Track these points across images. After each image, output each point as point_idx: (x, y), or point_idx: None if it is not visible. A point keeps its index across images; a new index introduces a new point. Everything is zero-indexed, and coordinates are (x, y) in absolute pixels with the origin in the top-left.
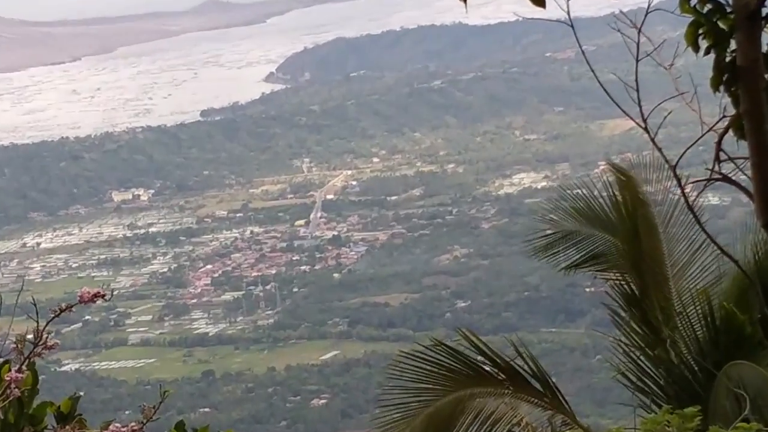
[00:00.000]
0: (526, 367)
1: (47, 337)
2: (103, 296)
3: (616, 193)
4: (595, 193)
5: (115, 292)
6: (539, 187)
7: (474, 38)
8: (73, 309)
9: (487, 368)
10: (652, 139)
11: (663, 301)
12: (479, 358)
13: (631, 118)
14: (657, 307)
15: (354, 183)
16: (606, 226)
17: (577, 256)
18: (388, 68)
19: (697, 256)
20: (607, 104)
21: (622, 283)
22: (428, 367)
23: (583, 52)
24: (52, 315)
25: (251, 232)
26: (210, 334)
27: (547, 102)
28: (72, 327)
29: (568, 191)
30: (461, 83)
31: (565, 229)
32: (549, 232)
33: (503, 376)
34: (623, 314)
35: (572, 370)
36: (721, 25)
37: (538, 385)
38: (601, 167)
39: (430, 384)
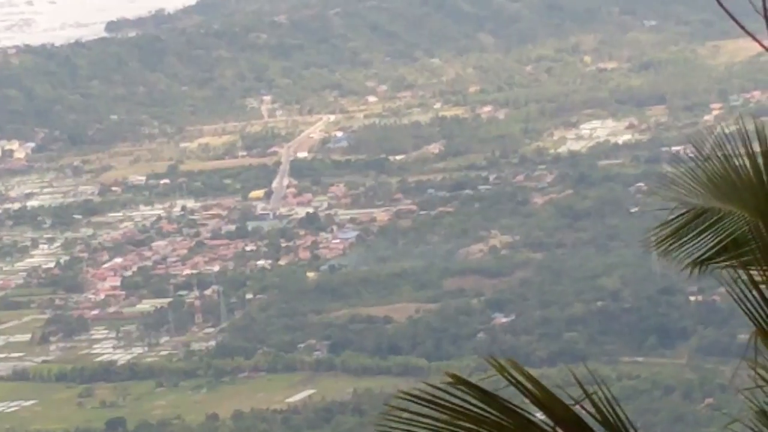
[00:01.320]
0: (598, 416)
1: None
2: None
3: (755, 150)
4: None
5: None
6: (621, 141)
7: None
8: None
9: (538, 418)
10: None
11: None
12: (525, 401)
13: (759, 42)
14: None
15: (339, 134)
16: (743, 201)
17: (708, 246)
18: None
19: None
20: (723, 17)
21: None
22: (446, 417)
23: None
24: None
25: (183, 207)
26: (119, 364)
27: (632, 13)
28: None
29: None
30: None
31: (694, 205)
32: (672, 211)
33: (561, 430)
34: None
35: (670, 420)
36: None
37: None
38: (716, 111)
39: None
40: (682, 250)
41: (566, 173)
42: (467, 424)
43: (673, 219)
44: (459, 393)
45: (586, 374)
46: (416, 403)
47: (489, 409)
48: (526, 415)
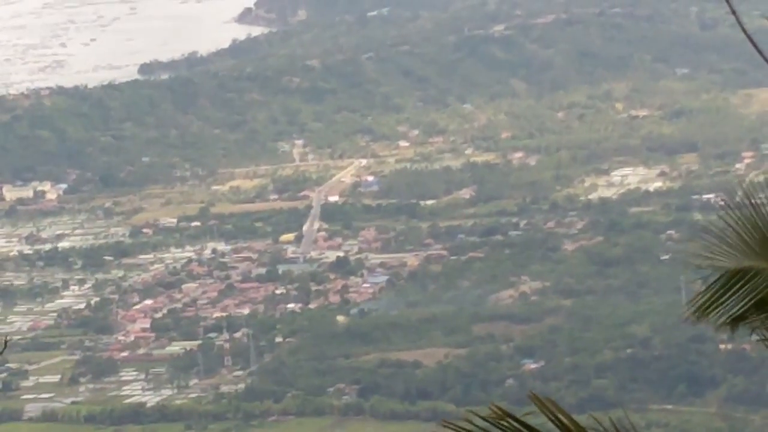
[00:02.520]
0: None
1: None
2: None
3: None
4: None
5: (8, 341)
6: (652, 189)
7: None
8: None
9: None
10: None
11: None
12: None
13: None
14: None
15: (371, 179)
16: None
17: (741, 306)
18: (424, 6)
19: None
20: (756, 65)
21: None
22: None
23: None
24: None
25: (213, 250)
26: (148, 405)
27: (664, 60)
28: None
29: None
30: (535, 30)
31: (727, 268)
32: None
33: None
34: None
35: None
36: None
37: None
38: (747, 159)
39: None
40: (717, 312)
41: (597, 220)
42: None
43: (708, 287)
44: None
45: (615, 422)
46: None
47: None
48: None
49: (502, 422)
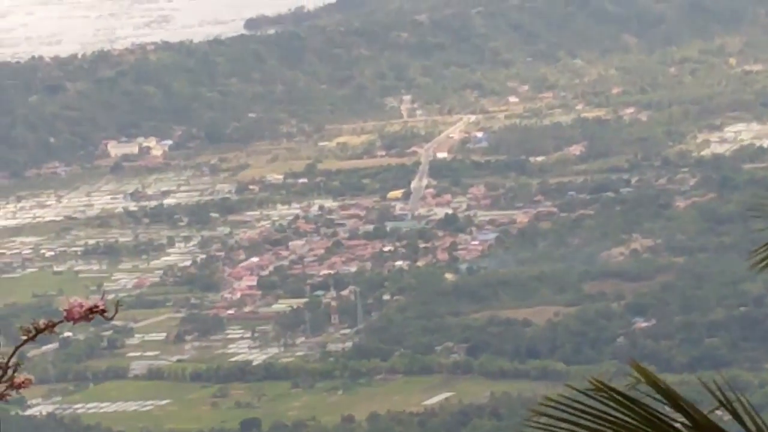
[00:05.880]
0: (739, 427)
1: (14, 371)
2: (102, 312)
3: None
4: None
5: (120, 305)
6: (766, 145)
7: None
8: (55, 329)
9: (679, 425)
10: None
11: None
12: (667, 409)
13: None
14: None
15: (480, 135)
16: None
17: None
18: None
19: None
20: None
21: None
22: (588, 423)
23: None
24: (23, 337)
25: (320, 207)
26: (254, 364)
27: None
28: (44, 348)
29: None
30: None
31: None
32: None
33: None
34: None
35: None
36: None
37: None
38: None
39: None
40: None
41: (709, 177)
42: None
43: None
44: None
45: (727, 382)
46: (558, 408)
47: (632, 416)
48: (670, 422)
49: (602, 394)
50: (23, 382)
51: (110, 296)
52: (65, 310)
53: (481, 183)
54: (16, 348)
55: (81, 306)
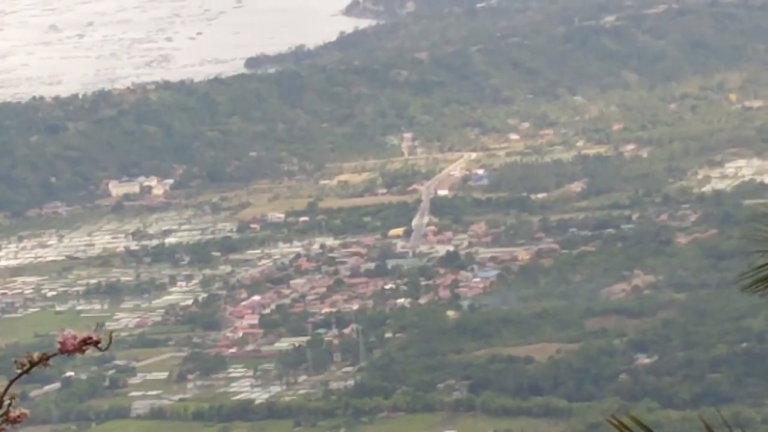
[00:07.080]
0: None
1: (9, 405)
2: (96, 343)
3: None
4: None
5: (114, 336)
6: (767, 180)
7: None
8: (50, 362)
9: None
10: None
11: None
12: None
13: None
14: None
15: (481, 172)
16: None
17: None
18: None
19: None
20: None
21: None
22: None
23: None
24: (18, 371)
25: (322, 245)
26: (257, 402)
27: None
28: (46, 388)
29: None
30: (647, 21)
31: None
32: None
33: None
34: None
35: None
36: None
37: None
38: None
39: None
40: None
41: (711, 213)
42: None
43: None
44: None
45: (729, 418)
46: None
47: None
48: None
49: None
50: (18, 417)
51: (106, 333)
52: (59, 342)
53: (482, 220)
54: (11, 381)
55: (75, 338)
